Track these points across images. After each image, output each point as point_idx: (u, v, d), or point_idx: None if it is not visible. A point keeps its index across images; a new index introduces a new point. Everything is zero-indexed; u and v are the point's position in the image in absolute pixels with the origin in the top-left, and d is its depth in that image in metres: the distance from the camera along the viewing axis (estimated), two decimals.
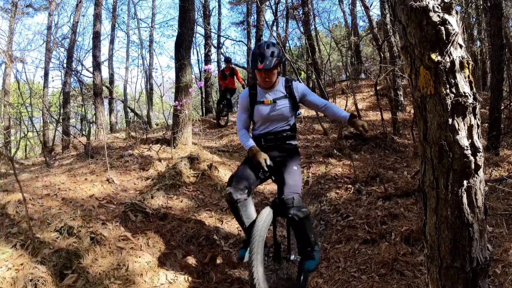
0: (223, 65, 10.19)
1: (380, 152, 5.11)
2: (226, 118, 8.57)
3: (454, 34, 1.18)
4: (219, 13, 15.68)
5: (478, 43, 9.94)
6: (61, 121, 9.28)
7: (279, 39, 10.56)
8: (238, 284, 2.40)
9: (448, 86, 1.18)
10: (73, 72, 10.13)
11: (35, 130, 7.24)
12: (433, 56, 1.18)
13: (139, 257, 2.38)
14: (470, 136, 1.20)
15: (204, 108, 14.10)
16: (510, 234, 2.34)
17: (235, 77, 8.34)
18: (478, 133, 1.22)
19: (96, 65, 8.24)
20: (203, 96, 14.35)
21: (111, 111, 12.96)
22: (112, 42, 13.32)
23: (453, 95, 1.18)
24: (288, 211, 2.10)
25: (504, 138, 4.80)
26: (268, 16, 14.22)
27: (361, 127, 2.22)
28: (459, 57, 1.19)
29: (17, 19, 11.49)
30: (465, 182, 1.21)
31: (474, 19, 9.70)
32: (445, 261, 1.27)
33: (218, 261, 2.60)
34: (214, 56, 15.43)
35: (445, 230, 1.25)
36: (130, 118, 12.81)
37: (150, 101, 12.66)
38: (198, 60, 16.12)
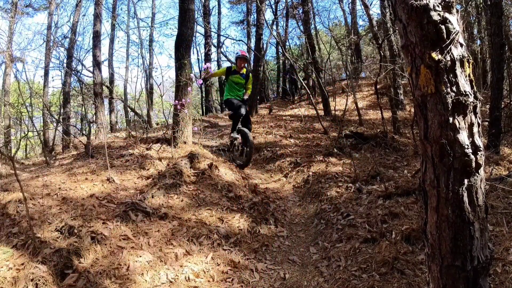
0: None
1: (380, 151, 5.11)
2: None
3: (454, 32, 1.18)
4: (219, 12, 15.70)
5: (478, 41, 9.92)
6: (61, 120, 9.30)
7: (279, 38, 10.55)
8: (239, 283, 2.40)
9: (448, 84, 1.18)
10: (73, 72, 10.13)
11: (35, 130, 7.25)
12: (434, 54, 1.18)
13: (140, 256, 2.38)
14: (470, 134, 1.20)
15: (204, 107, 14.07)
16: (510, 233, 2.34)
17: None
18: (478, 132, 1.22)
19: (96, 65, 8.25)
20: (203, 95, 14.33)
21: (111, 110, 12.97)
22: (112, 41, 13.35)
23: (453, 94, 1.18)
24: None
25: (504, 136, 4.80)
26: (268, 15, 14.21)
27: None
28: (460, 55, 1.18)
29: (17, 19, 11.49)
30: (465, 180, 1.21)
31: (474, 18, 9.68)
32: (446, 260, 1.27)
33: (219, 260, 2.60)
34: (214, 55, 15.42)
35: (446, 229, 1.25)
36: (130, 118, 12.82)
37: (150, 100, 12.66)
38: (198, 59, 16.11)
